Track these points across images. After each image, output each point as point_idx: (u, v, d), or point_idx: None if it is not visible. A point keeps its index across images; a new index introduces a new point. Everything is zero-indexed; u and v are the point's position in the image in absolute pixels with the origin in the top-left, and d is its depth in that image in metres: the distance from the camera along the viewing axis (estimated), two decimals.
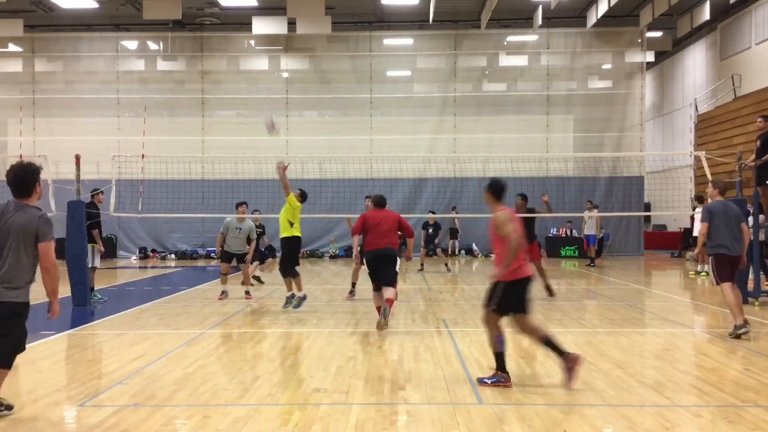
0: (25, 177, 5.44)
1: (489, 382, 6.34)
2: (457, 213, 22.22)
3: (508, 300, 6.32)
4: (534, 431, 5.04)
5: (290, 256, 11.10)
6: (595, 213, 20.28)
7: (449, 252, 22.29)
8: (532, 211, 13.08)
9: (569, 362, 6.25)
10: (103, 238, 12.55)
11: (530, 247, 10.71)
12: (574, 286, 15.24)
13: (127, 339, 8.83)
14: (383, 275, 9.28)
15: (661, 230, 27.65)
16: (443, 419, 5.33)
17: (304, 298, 11.07)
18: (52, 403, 5.88)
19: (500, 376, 6.35)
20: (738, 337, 8.50)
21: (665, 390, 6.15)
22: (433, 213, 20.39)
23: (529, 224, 12.18)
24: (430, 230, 19.51)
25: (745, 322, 8.64)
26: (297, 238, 11.07)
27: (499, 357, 6.40)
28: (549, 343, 6.38)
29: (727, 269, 8.86)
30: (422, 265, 18.80)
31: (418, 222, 20.79)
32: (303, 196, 11.44)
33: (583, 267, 20.13)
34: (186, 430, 5.13)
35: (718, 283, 8.93)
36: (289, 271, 11.01)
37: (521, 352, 7.83)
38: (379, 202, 9.87)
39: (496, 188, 6.62)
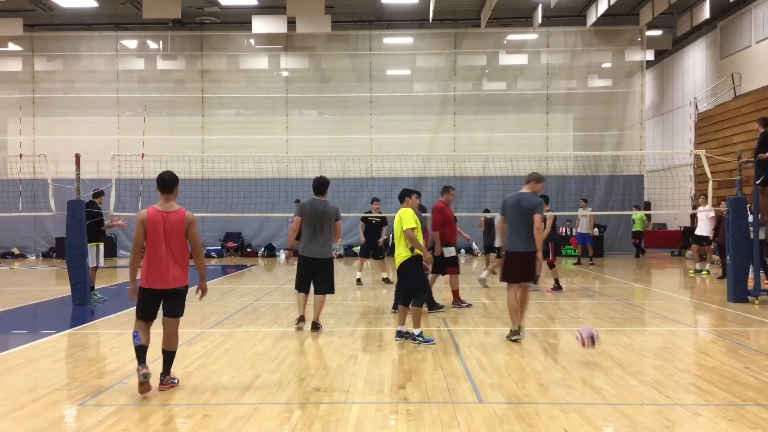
0: (324, 183, 9.55)
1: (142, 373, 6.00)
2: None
3: (140, 305, 6.29)
4: (534, 430, 5.04)
5: None
6: (588, 211, 20.21)
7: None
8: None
9: (141, 371, 6.01)
10: (105, 237, 12.54)
11: None
12: (574, 285, 15.24)
13: (127, 338, 8.79)
14: None
15: (661, 229, 27.62)
16: (443, 418, 5.33)
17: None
18: (53, 402, 5.88)
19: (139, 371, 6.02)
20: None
21: (665, 389, 6.15)
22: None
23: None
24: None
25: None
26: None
27: (140, 350, 6.12)
28: (141, 349, 6.15)
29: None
30: None
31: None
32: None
33: (585, 266, 20.12)
34: (186, 430, 5.13)
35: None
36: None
37: (521, 352, 7.84)
38: None
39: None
